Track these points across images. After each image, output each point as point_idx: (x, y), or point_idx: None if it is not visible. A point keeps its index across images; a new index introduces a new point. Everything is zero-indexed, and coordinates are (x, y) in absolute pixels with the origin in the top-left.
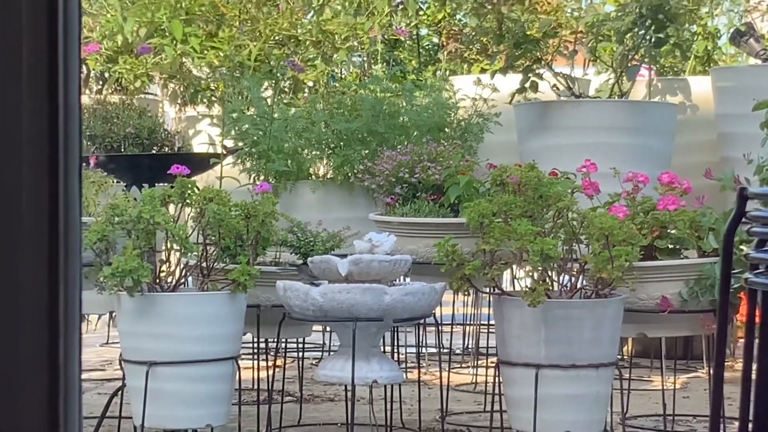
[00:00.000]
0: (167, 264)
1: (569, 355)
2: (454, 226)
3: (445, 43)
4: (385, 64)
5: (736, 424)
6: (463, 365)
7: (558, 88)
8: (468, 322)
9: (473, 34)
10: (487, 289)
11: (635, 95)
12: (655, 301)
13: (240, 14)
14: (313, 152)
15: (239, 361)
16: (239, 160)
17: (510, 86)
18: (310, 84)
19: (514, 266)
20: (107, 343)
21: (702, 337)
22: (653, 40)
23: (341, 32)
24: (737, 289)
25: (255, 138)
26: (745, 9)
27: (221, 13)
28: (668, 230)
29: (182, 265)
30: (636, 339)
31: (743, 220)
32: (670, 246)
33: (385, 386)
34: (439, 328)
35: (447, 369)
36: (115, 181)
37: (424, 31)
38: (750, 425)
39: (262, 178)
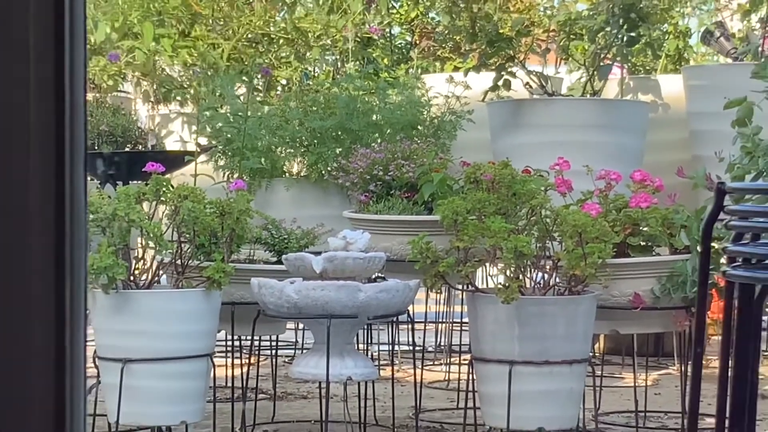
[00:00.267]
0: (142, 261)
1: (543, 352)
2: (428, 224)
3: (417, 41)
4: (358, 62)
5: (707, 420)
6: (436, 362)
7: (531, 86)
8: (441, 320)
9: (446, 32)
10: (461, 287)
11: (607, 93)
12: (627, 298)
13: (213, 12)
14: (287, 150)
15: (214, 359)
16: (214, 158)
17: (483, 84)
18: (284, 82)
19: (488, 263)
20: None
21: (673, 334)
22: (625, 38)
23: (314, 30)
24: (709, 285)
25: (229, 136)
26: (716, 8)
27: (194, 12)
28: (640, 228)
29: (157, 263)
30: (608, 336)
31: (720, 215)
32: (643, 243)
33: (359, 383)
34: (412, 325)
35: (420, 366)
36: (89, 178)
37: (396, 30)
38: (726, 421)
39: (236, 175)
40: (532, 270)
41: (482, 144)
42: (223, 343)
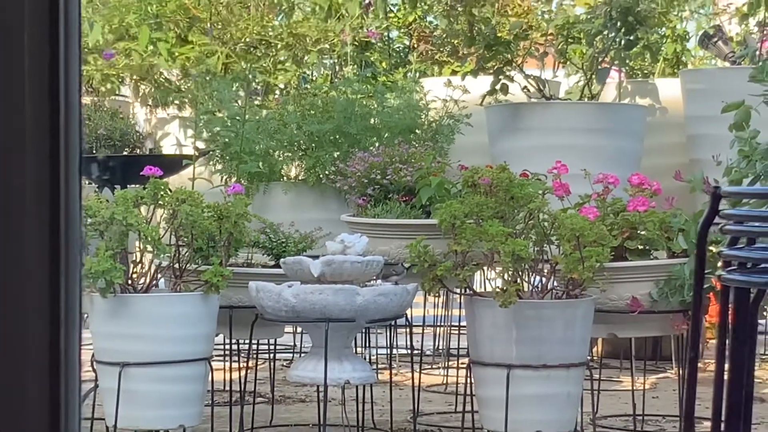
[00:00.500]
0: (140, 265)
1: (540, 356)
2: (426, 228)
3: (415, 45)
4: (356, 66)
5: (705, 423)
6: (434, 366)
7: (528, 90)
8: (439, 323)
9: (444, 36)
10: (459, 290)
11: (605, 97)
12: (625, 301)
13: (211, 16)
14: (285, 154)
15: (211, 362)
16: (211, 162)
17: (481, 88)
18: (282, 86)
19: (486, 267)
20: (81, 348)
21: (671, 338)
22: (623, 42)
23: (312, 35)
24: (706, 289)
25: (227, 140)
26: (714, 12)
27: (192, 16)
28: (638, 231)
29: (155, 266)
30: (605, 339)
31: (716, 219)
32: (640, 247)
33: (357, 387)
34: (410, 328)
35: (418, 370)
36: (87, 182)
37: (394, 33)
38: (722, 424)
39: (234, 179)
40: (530, 274)
41: (480, 148)
42: (221, 346)
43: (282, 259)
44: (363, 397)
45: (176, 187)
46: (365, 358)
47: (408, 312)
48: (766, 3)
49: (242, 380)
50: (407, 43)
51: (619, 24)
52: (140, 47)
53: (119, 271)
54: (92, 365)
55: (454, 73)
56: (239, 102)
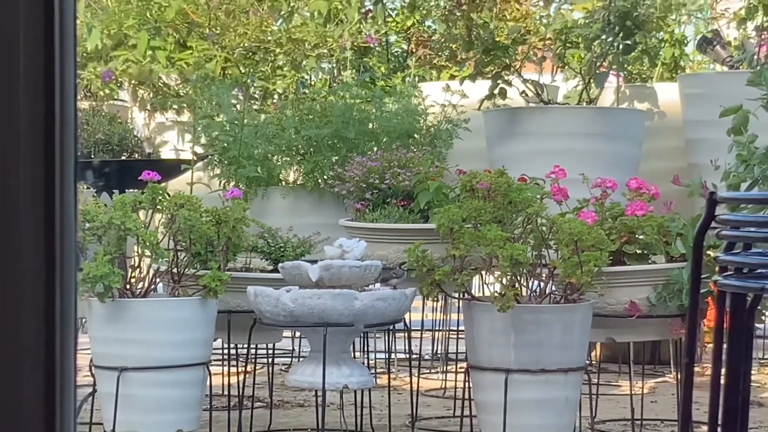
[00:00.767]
0: (138, 270)
1: (539, 360)
2: (424, 232)
3: (414, 50)
4: (354, 70)
5: (703, 428)
6: (433, 370)
7: (527, 95)
8: (437, 328)
9: (442, 40)
10: (457, 295)
11: (603, 102)
12: (623, 306)
13: (210, 22)
14: (284, 158)
15: (210, 367)
16: (210, 167)
17: (479, 92)
18: (280, 91)
19: (484, 272)
20: (76, 349)
21: (669, 342)
22: (621, 46)
23: (311, 40)
24: (704, 294)
25: (225, 144)
26: (712, 16)
27: (191, 21)
28: (636, 236)
29: (153, 271)
30: (604, 344)
31: (712, 224)
32: (639, 251)
33: (355, 391)
34: (409, 333)
35: (417, 374)
36: (85, 187)
37: (393, 38)
38: (719, 428)
39: (232, 184)
40: (528, 278)
41: (478, 152)
42: (220, 351)
43: (280, 264)
44: (361, 401)
45: (174, 191)
46: (364, 363)
47: (406, 316)
48: (764, 8)
49: (241, 385)
50: (405, 47)
51: (617, 28)
52: (139, 53)
53: (117, 276)
54: (90, 370)
55: (452, 77)
56: (238, 107)
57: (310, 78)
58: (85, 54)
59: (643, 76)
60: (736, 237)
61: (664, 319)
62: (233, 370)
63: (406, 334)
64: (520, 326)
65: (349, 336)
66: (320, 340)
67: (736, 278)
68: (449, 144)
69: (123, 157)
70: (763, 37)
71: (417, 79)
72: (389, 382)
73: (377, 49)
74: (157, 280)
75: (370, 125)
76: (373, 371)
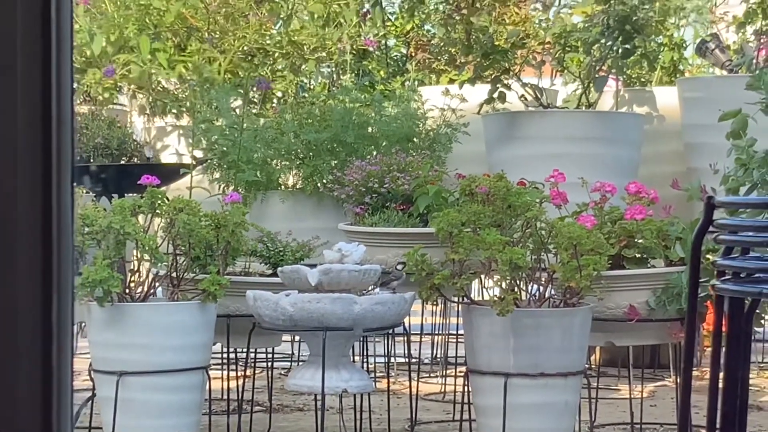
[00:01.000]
0: (137, 274)
1: (538, 364)
2: (424, 236)
3: (413, 54)
4: (353, 74)
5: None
6: (432, 374)
7: (526, 99)
8: (436, 332)
9: (441, 44)
10: (456, 299)
11: (602, 106)
12: (622, 310)
13: (209, 26)
14: (283, 162)
15: (209, 371)
16: (209, 171)
17: (478, 96)
18: (279, 95)
19: (483, 276)
20: (75, 353)
21: (669, 346)
22: (620, 50)
23: (310, 43)
24: (703, 298)
25: (224, 148)
26: (711, 20)
27: (190, 25)
28: (635, 240)
29: (152, 275)
30: (603, 348)
31: (710, 228)
32: (638, 255)
33: (354, 395)
34: (408, 337)
35: (416, 378)
36: (84, 191)
37: (392, 42)
38: None
39: (231, 188)
40: (528, 282)
41: (477, 156)
42: (219, 355)
43: (279, 268)
44: (361, 405)
45: (174, 196)
46: (363, 367)
47: (406, 320)
48: (763, 12)
49: (240, 389)
50: (405, 51)
51: (616, 32)
52: (142, 56)
53: (116, 280)
54: (90, 374)
55: (451, 81)
56: (237, 111)
57: (310, 82)
58: (85, 60)
59: (642, 80)
60: (733, 241)
61: (664, 323)
62: (232, 374)
63: (406, 338)
64: (520, 330)
65: (348, 340)
66: (319, 344)
67: (734, 282)
68: (448, 148)
69: (122, 162)
70: (762, 41)
71: (416, 83)
72: (388, 386)
73: (376, 53)
74: (157, 284)
75: (370, 129)
76: (372, 375)
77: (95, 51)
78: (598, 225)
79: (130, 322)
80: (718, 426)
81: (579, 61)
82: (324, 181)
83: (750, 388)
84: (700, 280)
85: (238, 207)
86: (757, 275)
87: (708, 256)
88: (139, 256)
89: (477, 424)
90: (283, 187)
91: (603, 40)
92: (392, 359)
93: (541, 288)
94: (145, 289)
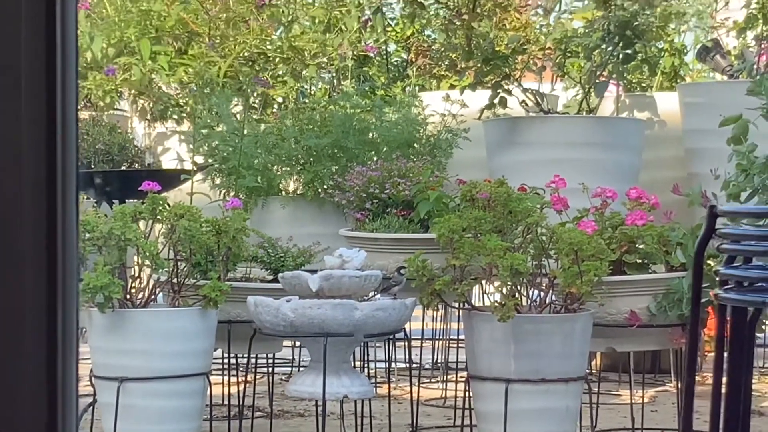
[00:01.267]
0: (138, 280)
1: (539, 370)
2: (424, 242)
3: (414, 59)
4: (354, 80)
5: None
6: (433, 380)
7: (527, 104)
8: (437, 337)
9: (442, 50)
10: (457, 304)
11: (603, 111)
12: (623, 315)
13: (210, 31)
14: (284, 168)
15: (210, 377)
16: (210, 176)
17: (479, 102)
18: (280, 100)
19: (484, 281)
20: (78, 359)
21: (670, 351)
22: (621, 56)
23: (310, 49)
24: (705, 303)
25: (225, 154)
26: (712, 26)
27: (191, 30)
28: (636, 245)
29: (153, 281)
30: (604, 353)
31: (712, 236)
32: (639, 261)
33: (355, 401)
34: (409, 342)
35: (417, 384)
36: (85, 197)
37: (392, 47)
38: None
39: (232, 193)
40: (529, 288)
41: (478, 162)
42: (220, 361)
43: (280, 274)
44: (362, 411)
45: (174, 201)
46: (364, 372)
47: (406, 325)
48: (764, 17)
49: (241, 395)
50: (405, 57)
51: (617, 38)
52: (144, 59)
53: (117, 286)
54: (90, 380)
55: (452, 87)
56: (237, 116)
57: (310, 87)
58: (85, 64)
59: (643, 85)
60: (736, 251)
61: (665, 328)
62: (233, 380)
63: (407, 343)
64: (521, 336)
65: (349, 346)
66: (320, 350)
67: (737, 292)
68: (449, 153)
69: (123, 167)
70: (762, 46)
71: (417, 88)
72: (389, 391)
73: (377, 58)
74: (157, 290)
75: (370, 135)
76: (373, 380)
77: (95, 52)
78: (598, 230)
79: (131, 328)
80: None
81: (580, 66)
82: (325, 186)
83: (752, 393)
84: (703, 285)
85: (239, 213)
86: (759, 284)
87: (709, 261)
88: (140, 262)
89: (478, 429)
90: (283, 192)
91: (604, 46)
92: (393, 364)
93: (542, 294)
94: (146, 295)
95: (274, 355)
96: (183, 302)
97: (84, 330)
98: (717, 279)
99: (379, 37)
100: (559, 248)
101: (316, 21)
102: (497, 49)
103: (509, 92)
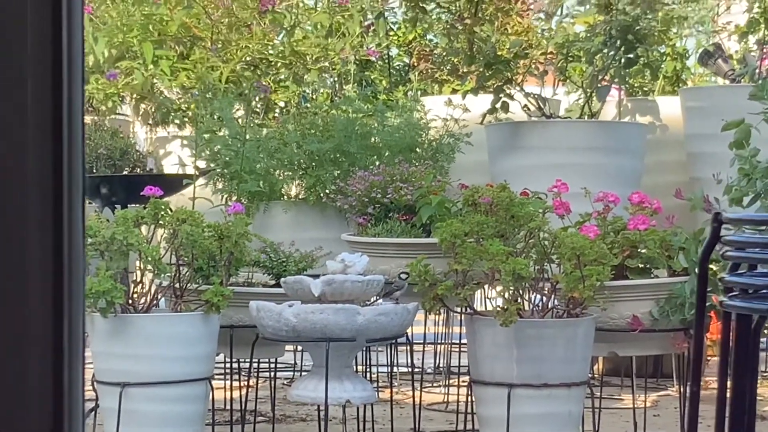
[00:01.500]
0: (140, 285)
1: (541, 375)
2: (427, 246)
3: (416, 64)
4: (356, 84)
5: None
6: (435, 384)
7: (529, 109)
8: (439, 341)
9: (444, 54)
10: (460, 309)
11: (605, 115)
12: (626, 320)
13: (212, 35)
14: (286, 173)
15: (212, 382)
16: (212, 181)
17: (481, 106)
18: (282, 105)
19: (487, 286)
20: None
21: (672, 356)
22: (623, 60)
23: (312, 53)
24: (707, 308)
25: (227, 159)
26: (714, 30)
27: (193, 35)
28: (639, 250)
29: (155, 286)
30: (607, 358)
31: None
32: (641, 265)
33: (357, 406)
34: (411, 347)
35: (419, 388)
36: (87, 202)
37: (394, 52)
38: None
39: (234, 198)
40: (531, 292)
41: (480, 166)
42: (222, 366)
43: (282, 279)
44: (364, 416)
45: (177, 206)
46: (366, 377)
47: (408, 330)
48: (766, 21)
49: (243, 399)
50: (407, 61)
51: (618, 42)
52: (147, 62)
53: (120, 291)
54: (93, 385)
55: (454, 91)
56: (240, 121)
57: (312, 92)
58: (87, 68)
59: (645, 89)
60: (741, 258)
61: (667, 333)
62: (235, 384)
63: (409, 348)
64: (523, 341)
65: (351, 351)
66: (322, 355)
67: (742, 299)
68: (451, 158)
69: (125, 172)
70: (764, 50)
71: (419, 92)
72: (391, 395)
73: (379, 63)
74: (160, 295)
75: (372, 139)
76: (375, 385)
77: (98, 55)
78: (601, 235)
79: (133, 333)
80: None
81: (581, 70)
82: (327, 191)
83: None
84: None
85: (241, 217)
86: (764, 291)
87: (712, 266)
88: (142, 267)
89: None
90: (285, 197)
91: (605, 50)
92: (395, 369)
93: (545, 298)
94: (148, 300)
95: (276, 359)
96: (185, 307)
97: (86, 335)
98: (720, 285)
99: (381, 42)
100: (561, 253)
101: (318, 26)
102: (499, 53)
103: (511, 97)
